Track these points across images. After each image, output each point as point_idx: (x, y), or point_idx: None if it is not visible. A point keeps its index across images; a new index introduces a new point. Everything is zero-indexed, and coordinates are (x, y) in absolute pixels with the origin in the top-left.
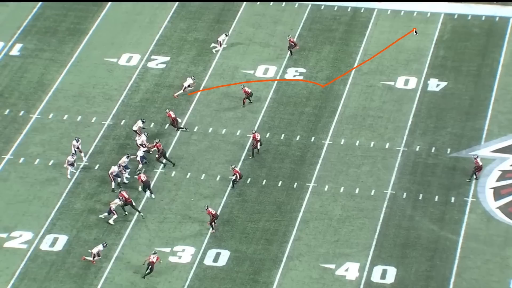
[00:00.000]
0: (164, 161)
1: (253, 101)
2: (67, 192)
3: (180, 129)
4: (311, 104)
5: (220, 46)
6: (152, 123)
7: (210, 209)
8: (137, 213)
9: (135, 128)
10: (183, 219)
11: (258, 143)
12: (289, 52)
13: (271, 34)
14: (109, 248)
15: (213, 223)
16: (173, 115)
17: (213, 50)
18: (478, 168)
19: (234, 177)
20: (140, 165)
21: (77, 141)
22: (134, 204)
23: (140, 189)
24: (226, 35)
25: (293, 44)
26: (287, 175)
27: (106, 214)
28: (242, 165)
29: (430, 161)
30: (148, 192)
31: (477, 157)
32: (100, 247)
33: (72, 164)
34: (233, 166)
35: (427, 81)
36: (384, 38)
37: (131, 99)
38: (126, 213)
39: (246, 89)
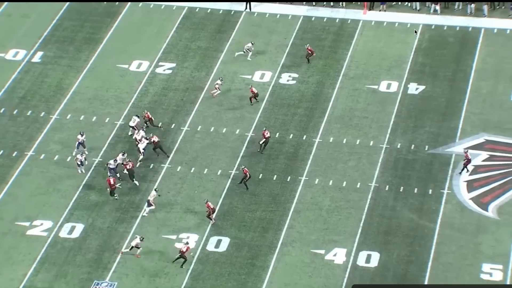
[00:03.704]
0: (157, 151)
1: (250, 103)
2: (83, 185)
3: (155, 127)
4: (303, 106)
5: (248, 53)
6: (160, 123)
7: (209, 203)
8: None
9: (132, 124)
10: (188, 209)
11: (264, 140)
12: (306, 60)
13: (267, 43)
14: (121, 236)
15: (210, 216)
16: (149, 116)
17: (236, 54)
18: (468, 161)
19: (244, 177)
20: (142, 156)
21: (82, 135)
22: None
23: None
24: (252, 44)
25: (310, 52)
26: (282, 170)
27: (146, 208)
28: (241, 161)
29: (410, 157)
30: (134, 181)
31: (467, 151)
32: (137, 240)
33: (81, 164)
34: (243, 167)
35: (407, 85)
36: (369, 46)
37: (141, 101)
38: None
39: (253, 89)
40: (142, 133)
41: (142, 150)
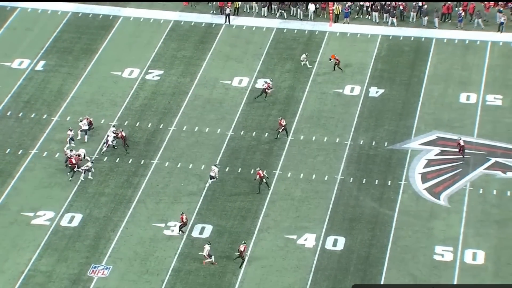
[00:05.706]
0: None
1: (231, 105)
2: (81, 179)
3: (126, 146)
4: (277, 108)
5: (305, 62)
6: (150, 124)
7: (184, 215)
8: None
9: (85, 128)
10: (175, 200)
11: (282, 127)
12: (340, 69)
13: (245, 52)
14: (116, 224)
15: (182, 228)
16: (124, 134)
17: (308, 66)
18: (461, 148)
19: (258, 178)
20: (105, 149)
21: (71, 131)
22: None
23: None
24: (306, 55)
25: (336, 60)
26: (258, 164)
27: (210, 181)
28: (222, 157)
29: (371, 152)
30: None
31: (460, 139)
32: (207, 247)
33: (88, 170)
34: (258, 169)
35: (369, 89)
36: (334, 54)
37: (133, 104)
38: (71, 179)
39: (270, 84)
40: (112, 129)
41: (109, 143)
